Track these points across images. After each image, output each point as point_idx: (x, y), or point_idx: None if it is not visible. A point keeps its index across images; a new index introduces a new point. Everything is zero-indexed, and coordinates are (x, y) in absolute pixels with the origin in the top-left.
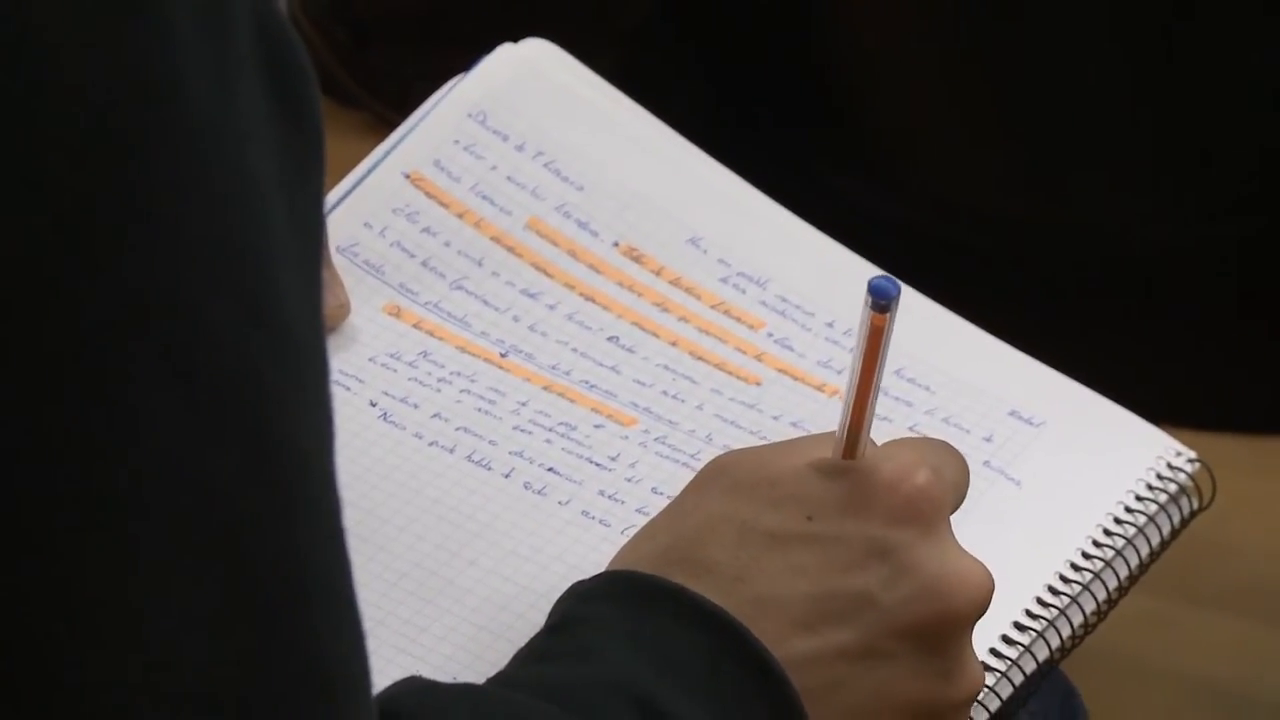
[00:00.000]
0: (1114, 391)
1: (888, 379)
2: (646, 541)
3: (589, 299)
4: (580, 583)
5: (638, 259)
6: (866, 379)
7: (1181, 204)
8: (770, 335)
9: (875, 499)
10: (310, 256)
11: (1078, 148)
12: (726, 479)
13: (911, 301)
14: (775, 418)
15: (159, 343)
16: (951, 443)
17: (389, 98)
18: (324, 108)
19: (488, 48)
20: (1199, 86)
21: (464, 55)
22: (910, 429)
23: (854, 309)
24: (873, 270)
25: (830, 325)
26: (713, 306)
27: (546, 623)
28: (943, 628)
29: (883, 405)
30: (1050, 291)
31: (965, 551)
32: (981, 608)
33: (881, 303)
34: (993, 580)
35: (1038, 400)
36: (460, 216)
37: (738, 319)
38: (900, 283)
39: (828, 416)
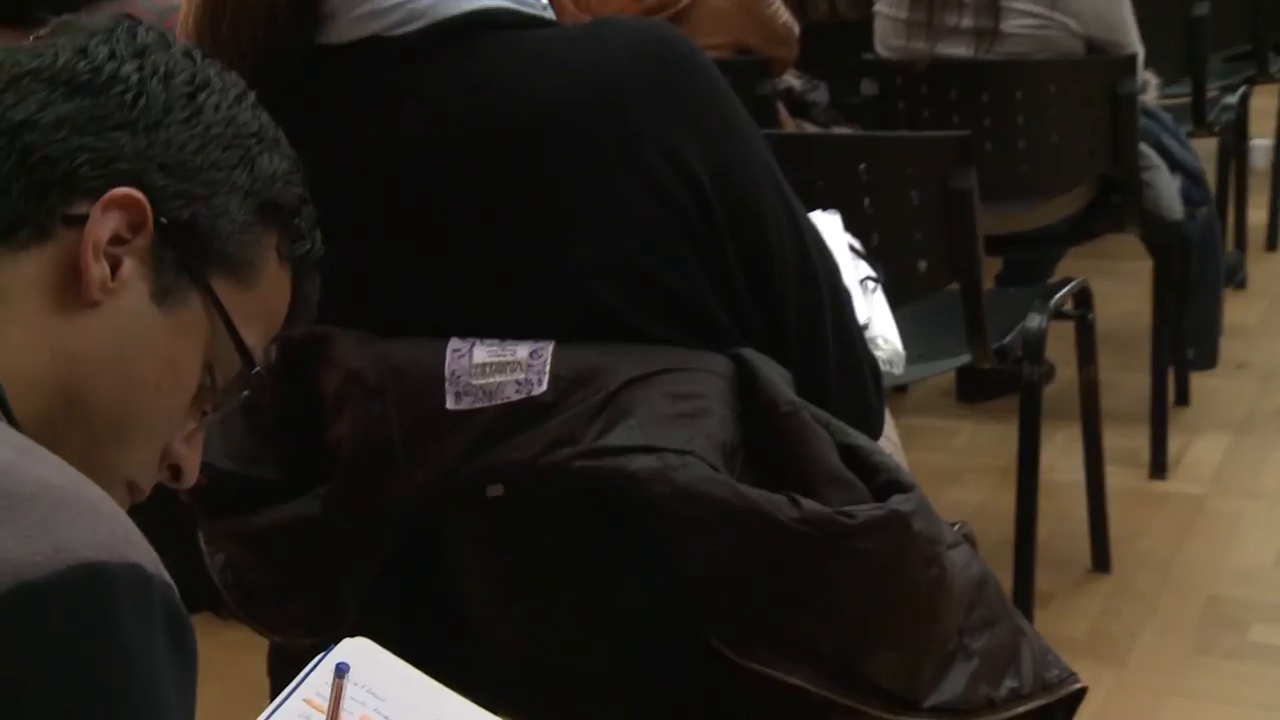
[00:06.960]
0: None
1: None
2: None
3: None
4: None
5: None
6: (334, 715)
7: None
8: None
9: None
10: None
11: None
12: None
13: None
14: None
15: None
16: None
17: (260, 624)
18: (220, 622)
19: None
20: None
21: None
22: None
23: None
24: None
25: None
26: None
27: None
28: None
29: None
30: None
31: None
32: None
33: (340, 675)
34: None
35: None
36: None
37: None
38: (349, 664)
39: None
